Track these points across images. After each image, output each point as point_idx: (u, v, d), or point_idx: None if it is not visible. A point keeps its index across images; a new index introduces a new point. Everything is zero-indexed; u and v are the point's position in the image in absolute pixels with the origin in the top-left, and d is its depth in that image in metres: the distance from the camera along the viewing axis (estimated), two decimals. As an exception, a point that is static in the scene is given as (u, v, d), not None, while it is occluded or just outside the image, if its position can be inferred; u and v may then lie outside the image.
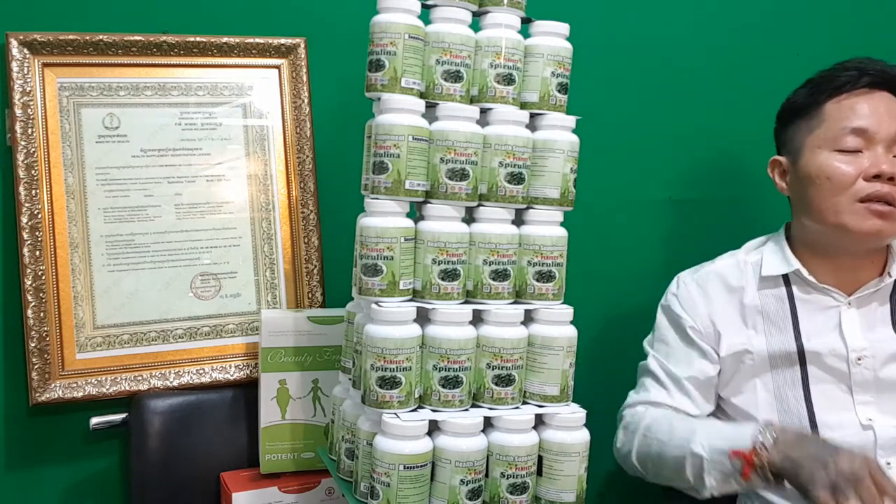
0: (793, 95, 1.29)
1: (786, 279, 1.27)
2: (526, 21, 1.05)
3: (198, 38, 1.29)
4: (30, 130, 1.21)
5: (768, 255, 1.28)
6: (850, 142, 1.19)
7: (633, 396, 1.29)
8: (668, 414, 1.22)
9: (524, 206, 1.02)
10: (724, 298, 1.28)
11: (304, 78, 1.34)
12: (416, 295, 0.99)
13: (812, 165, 1.22)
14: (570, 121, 1.03)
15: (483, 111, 1.01)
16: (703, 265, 1.34)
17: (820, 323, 1.24)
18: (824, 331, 1.23)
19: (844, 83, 1.22)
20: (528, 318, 1.02)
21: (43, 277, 1.21)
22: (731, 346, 1.25)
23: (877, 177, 1.17)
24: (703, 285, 1.29)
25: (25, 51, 1.21)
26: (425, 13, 1.01)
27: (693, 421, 1.20)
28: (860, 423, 1.19)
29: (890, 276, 1.23)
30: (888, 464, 1.17)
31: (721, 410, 1.29)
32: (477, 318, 1.00)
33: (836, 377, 1.22)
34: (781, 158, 1.29)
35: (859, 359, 1.21)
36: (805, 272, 1.24)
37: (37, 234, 1.21)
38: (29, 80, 1.21)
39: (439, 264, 0.98)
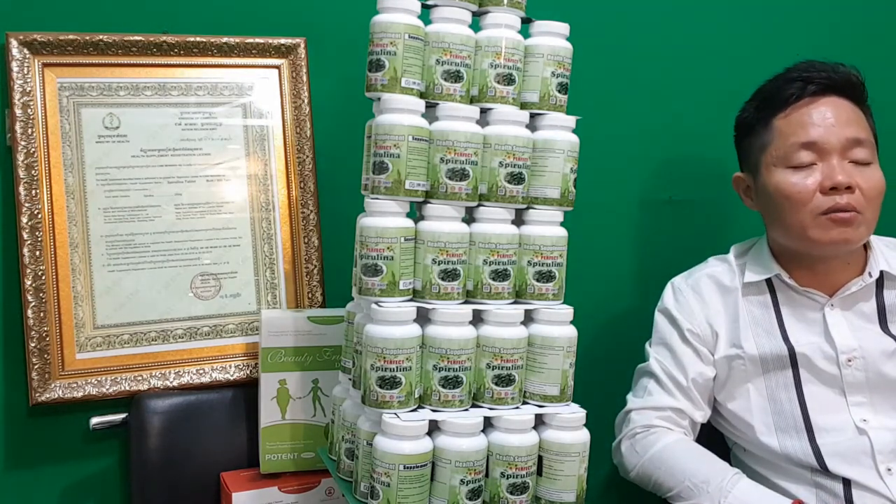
0: (743, 111, 1.30)
1: (769, 285, 1.27)
2: (526, 21, 1.05)
3: (198, 38, 1.29)
4: (30, 130, 1.21)
5: (751, 262, 1.29)
6: (802, 157, 1.19)
7: (635, 401, 1.28)
8: (680, 445, 1.21)
9: (524, 206, 1.02)
10: (720, 300, 1.28)
11: (304, 78, 1.34)
12: (416, 295, 0.99)
13: (770, 184, 1.22)
14: (570, 121, 1.03)
15: (483, 111, 1.01)
16: (694, 269, 1.34)
17: (806, 327, 1.24)
18: (811, 334, 1.23)
19: (790, 96, 1.22)
20: (528, 318, 1.02)
21: (43, 277, 1.21)
22: (727, 349, 1.25)
23: (833, 189, 1.17)
24: (698, 289, 1.30)
25: (25, 51, 1.21)
26: (425, 13, 1.01)
27: (708, 472, 1.17)
28: (855, 426, 1.19)
29: (871, 275, 1.24)
30: (889, 469, 1.17)
31: (718, 414, 1.30)
32: (477, 318, 1.00)
33: (827, 379, 1.22)
34: (743, 175, 1.31)
35: (849, 360, 1.20)
36: (786, 276, 1.25)
37: (37, 234, 1.21)
38: (29, 80, 1.21)
39: (439, 264, 0.98)
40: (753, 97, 1.29)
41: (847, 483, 1.17)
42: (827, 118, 1.20)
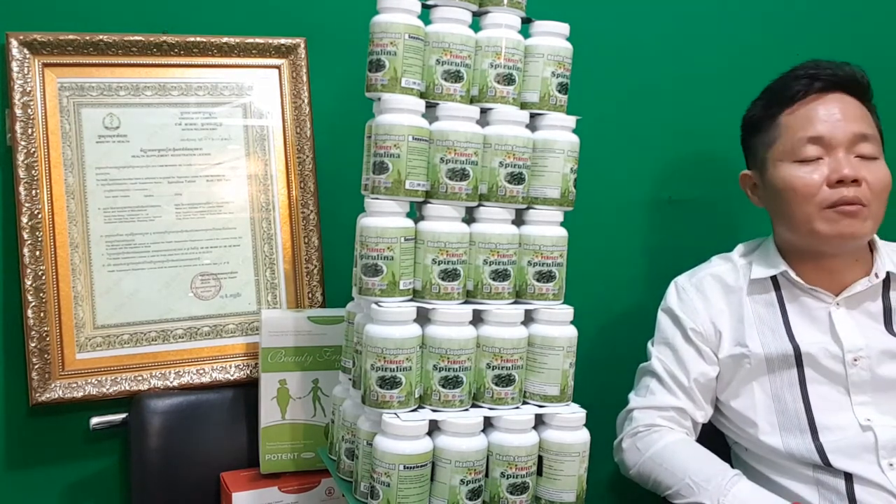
0: (750, 109, 1.31)
1: (775, 283, 1.27)
2: (526, 21, 1.05)
3: (198, 38, 1.29)
4: (30, 130, 1.21)
5: (758, 259, 1.30)
6: (809, 151, 1.20)
7: (638, 400, 1.28)
8: (682, 445, 1.21)
9: (524, 206, 1.02)
10: (723, 300, 1.28)
11: (304, 78, 1.34)
12: (416, 295, 0.99)
13: (776, 179, 1.23)
14: (570, 121, 1.03)
15: (483, 111, 1.01)
16: (698, 268, 1.34)
17: (812, 325, 1.24)
18: (817, 333, 1.23)
19: (796, 93, 1.23)
20: (529, 318, 1.02)
21: (43, 277, 1.21)
22: (731, 348, 1.25)
23: (840, 182, 1.18)
24: (701, 288, 1.30)
25: (25, 51, 1.21)
26: (425, 13, 1.01)
27: (709, 471, 1.17)
28: (859, 424, 1.19)
29: (877, 276, 1.24)
30: (891, 465, 1.17)
31: (720, 413, 1.30)
32: (477, 318, 1.00)
33: (832, 378, 1.22)
34: (750, 173, 1.32)
35: (855, 359, 1.21)
36: (792, 273, 1.25)
37: (37, 234, 1.21)
38: (29, 80, 1.21)
39: (439, 264, 0.98)
40: (761, 95, 1.30)
41: (849, 478, 1.17)
42: (833, 114, 1.21)
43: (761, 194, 1.30)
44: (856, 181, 1.18)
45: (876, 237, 1.28)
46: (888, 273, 1.24)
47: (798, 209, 1.21)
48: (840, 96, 1.23)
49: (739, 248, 1.34)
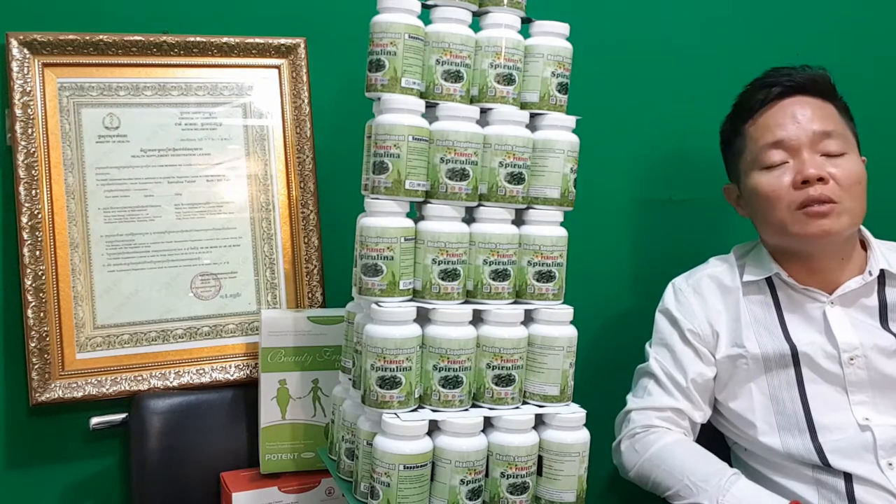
0: (723, 123, 1.34)
1: (770, 284, 1.28)
2: (526, 21, 1.05)
3: (198, 38, 1.29)
4: (30, 130, 1.21)
5: (751, 262, 1.31)
6: (773, 157, 1.22)
7: (635, 401, 1.28)
8: (680, 445, 1.21)
9: (524, 206, 1.02)
10: (720, 301, 1.29)
11: (304, 78, 1.34)
12: (416, 295, 0.99)
13: (748, 188, 1.26)
14: (570, 121, 1.03)
15: (483, 111, 1.01)
16: (695, 269, 1.35)
17: (807, 325, 1.24)
18: (813, 332, 1.24)
19: (756, 102, 1.26)
20: (528, 318, 1.02)
21: (43, 277, 1.21)
22: (728, 348, 1.26)
23: (806, 182, 1.19)
24: (699, 289, 1.30)
25: (25, 51, 1.21)
26: (425, 13, 1.01)
27: (707, 471, 1.17)
28: (858, 424, 1.19)
29: (871, 274, 1.24)
30: (889, 464, 1.17)
31: (719, 414, 1.30)
32: (477, 318, 1.00)
33: (829, 378, 1.22)
34: (732, 185, 1.35)
35: (851, 359, 1.21)
36: (784, 275, 1.26)
37: (37, 234, 1.21)
38: (29, 80, 1.21)
39: (439, 264, 0.98)
40: (731, 110, 1.32)
41: (848, 478, 1.17)
42: (792, 116, 1.23)
43: (743, 205, 1.32)
44: (822, 179, 1.19)
45: (869, 235, 1.29)
46: (882, 271, 1.25)
47: (772, 215, 1.23)
48: (800, 99, 1.24)
49: (735, 249, 1.35)
